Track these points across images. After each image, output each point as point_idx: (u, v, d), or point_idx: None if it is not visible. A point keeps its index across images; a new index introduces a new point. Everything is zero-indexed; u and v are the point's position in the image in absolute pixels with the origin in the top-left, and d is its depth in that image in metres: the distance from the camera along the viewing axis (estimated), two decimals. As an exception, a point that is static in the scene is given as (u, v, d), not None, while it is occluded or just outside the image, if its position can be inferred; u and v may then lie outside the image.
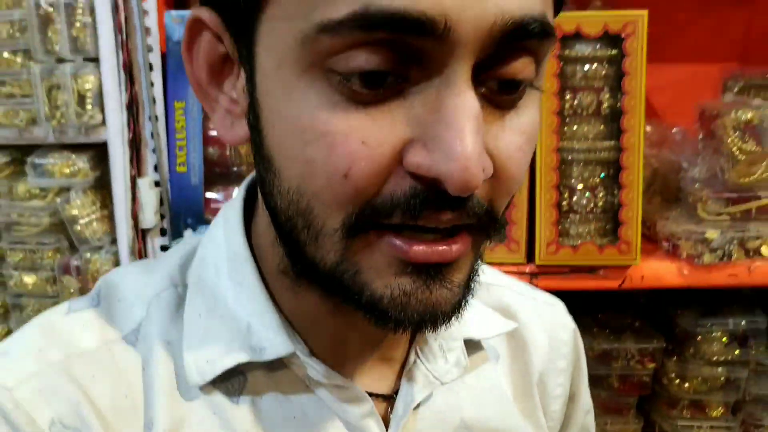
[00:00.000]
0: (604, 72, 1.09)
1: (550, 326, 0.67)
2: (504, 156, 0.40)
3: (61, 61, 1.12)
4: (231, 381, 0.50)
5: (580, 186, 1.12)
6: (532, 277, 1.13)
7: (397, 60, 0.36)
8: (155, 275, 0.54)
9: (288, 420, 0.50)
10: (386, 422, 0.53)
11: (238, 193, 0.54)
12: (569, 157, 1.11)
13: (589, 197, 1.12)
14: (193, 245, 0.56)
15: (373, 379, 0.54)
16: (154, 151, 1.15)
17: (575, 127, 1.11)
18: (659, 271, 1.15)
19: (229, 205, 0.54)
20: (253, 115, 0.42)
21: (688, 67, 1.45)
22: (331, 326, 0.51)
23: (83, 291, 1.17)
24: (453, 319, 0.43)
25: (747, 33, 1.50)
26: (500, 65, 0.38)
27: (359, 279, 0.41)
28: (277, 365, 0.50)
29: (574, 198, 1.12)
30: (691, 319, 1.25)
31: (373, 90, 0.37)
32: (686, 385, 1.25)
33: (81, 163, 1.15)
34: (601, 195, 1.12)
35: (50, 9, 1.09)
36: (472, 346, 0.59)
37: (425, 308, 0.41)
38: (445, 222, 0.39)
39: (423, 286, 0.41)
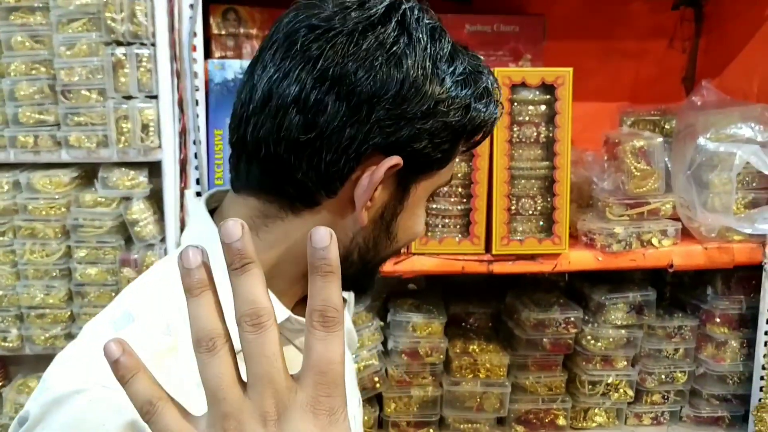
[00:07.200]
0: (541, 111, 1.49)
1: None
2: None
3: (127, 98, 1.41)
4: None
5: (524, 195, 1.51)
6: (489, 264, 1.51)
7: None
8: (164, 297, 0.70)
9: None
10: None
11: (200, 210, 0.76)
12: (517, 174, 1.50)
13: (531, 203, 1.51)
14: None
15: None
16: (197, 168, 1.46)
17: (521, 152, 1.50)
18: (581, 258, 1.55)
19: (197, 222, 0.76)
20: (392, 214, 0.74)
21: (593, 105, 1.89)
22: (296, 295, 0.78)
23: (137, 280, 1.45)
24: None
25: (636, 79, 1.95)
26: None
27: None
28: None
29: (520, 204, 1.51)
30: (600, 295, 1.66)
31: None
32: (599, 344, 1.65)
33: (140, 177, 1.44)
34: (539, 202, 1.52)
35: (122, 57, 1.38)
36: None
37: None
38: None
39: None
